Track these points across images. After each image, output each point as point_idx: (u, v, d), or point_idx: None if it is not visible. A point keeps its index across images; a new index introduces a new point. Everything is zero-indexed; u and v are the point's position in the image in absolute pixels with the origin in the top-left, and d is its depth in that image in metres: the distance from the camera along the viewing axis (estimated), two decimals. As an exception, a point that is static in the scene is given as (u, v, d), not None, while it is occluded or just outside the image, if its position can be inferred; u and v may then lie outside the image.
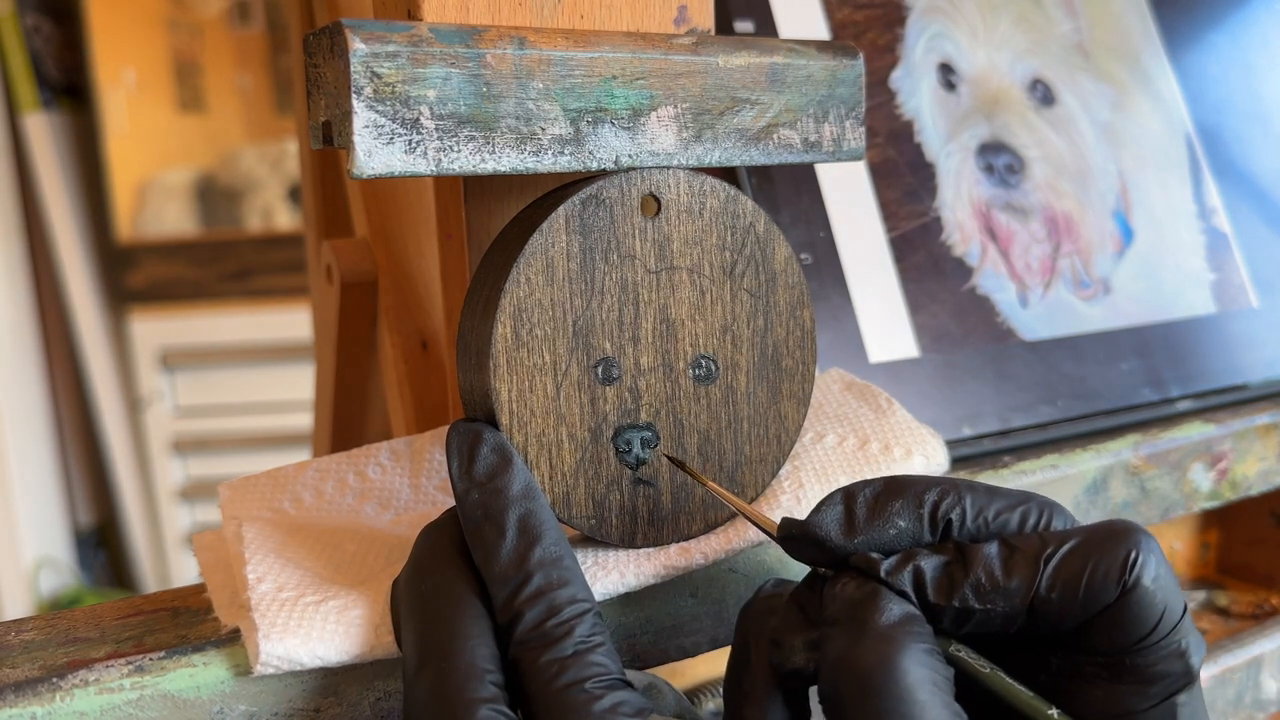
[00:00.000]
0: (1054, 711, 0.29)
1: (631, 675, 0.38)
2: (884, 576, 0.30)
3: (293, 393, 1.99)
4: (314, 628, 0.32)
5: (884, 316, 0.53)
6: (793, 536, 0.32)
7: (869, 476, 0.42)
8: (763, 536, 0.39)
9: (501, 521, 0.32)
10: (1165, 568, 0.29)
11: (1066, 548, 0.30)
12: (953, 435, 0.51)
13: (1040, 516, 0.31)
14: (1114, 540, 0.29)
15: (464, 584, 0.31)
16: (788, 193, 0.53)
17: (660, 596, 0.39)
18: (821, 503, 0.32)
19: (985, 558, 0.30)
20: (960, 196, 0.57)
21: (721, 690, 0.51)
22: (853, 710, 0.27)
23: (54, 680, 0.31)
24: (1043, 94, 0.62)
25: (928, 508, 0.31)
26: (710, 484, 0.36)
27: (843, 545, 0.31)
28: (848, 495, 0.32)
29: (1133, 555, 0.29)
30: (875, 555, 0.31)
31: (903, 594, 0.30)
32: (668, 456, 0.37)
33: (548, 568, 0.31)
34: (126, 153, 2.00)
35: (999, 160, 0.59)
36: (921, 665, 0.28)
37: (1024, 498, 0.32)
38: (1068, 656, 0.30)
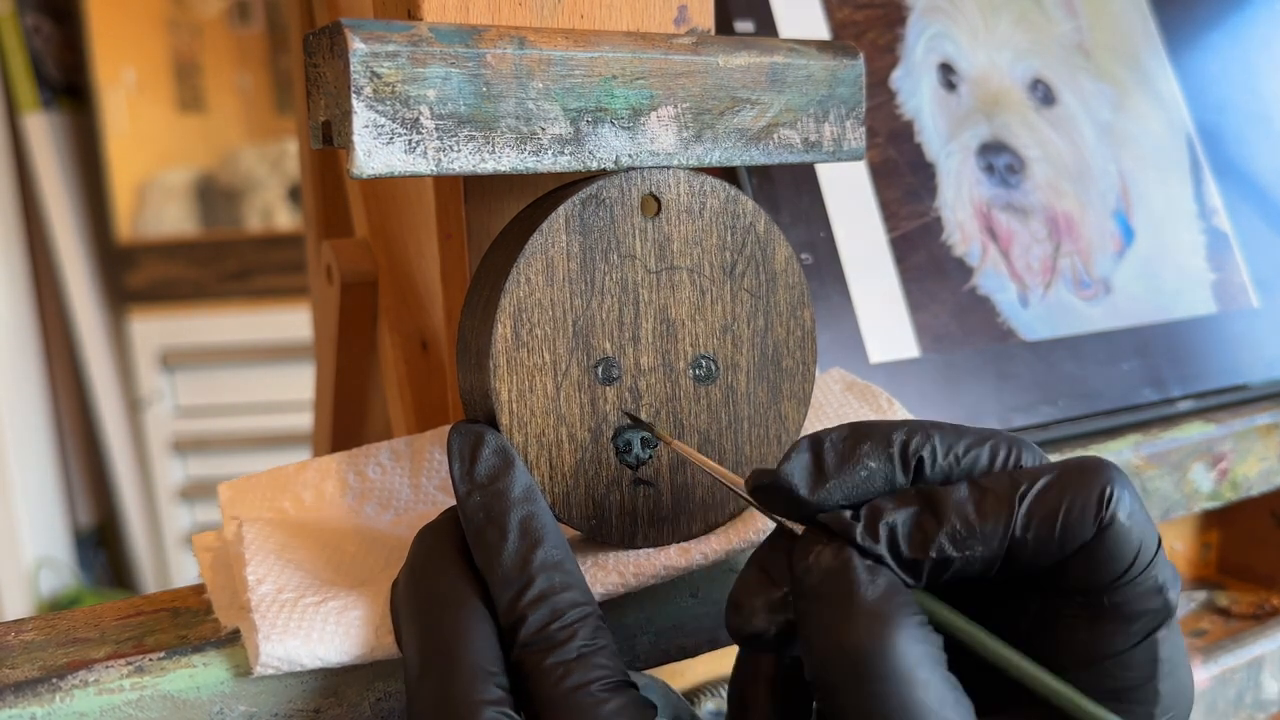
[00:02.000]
0: (1042, 674, 0.28)
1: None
2: (858, 541, 0.29)
3: (293, 393, 1.99)
4: (314, 629, 0.32)
5: (884, 316, 0.53)
6: (762, 486, 0.31)
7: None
8: (763, 537, 0.39)
9: (504, 524, 0.31)
10: (1138, 503, 0.29)
11: (1040, 485, 0.29)
12: (953, 435, 0.51)
13: (1009, 452, 0.30)
14: (1088, 476, 0.29)
15: (466, 586, 0.31)
16: (788, 193, 0.53)
17: (660, 596, 0.39)
18: (789, 450, 0.31)
19: (957, 503, 0.29)
20: (961, 196, 0.57)
21: (722, 690, 0.51)
22: (847, 695, 0.26)
23: (54, 681, 0.31)
24: (1043, 94, 0.62)
25: (897, 447, 0.30)
26: (676, 444, 0.36)
27: (810, 497, 0.30)
28: (814, 441, 0.31)
29: (1108, 490, 0.28)
30: (847, 514, 0.29)
31: (878, 557, 0.29)
32: (627, 414, 0.37)
33: (550, 571, 0.31)
34: (126, 153, 2.00)
35: (999, 160, 0.59)
36: (917, 641, 0.27)
37: (991, 434, 0.31)
38: (1046, 599, 0.30)
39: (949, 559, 0.29)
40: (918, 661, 0.26)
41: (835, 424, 0.45)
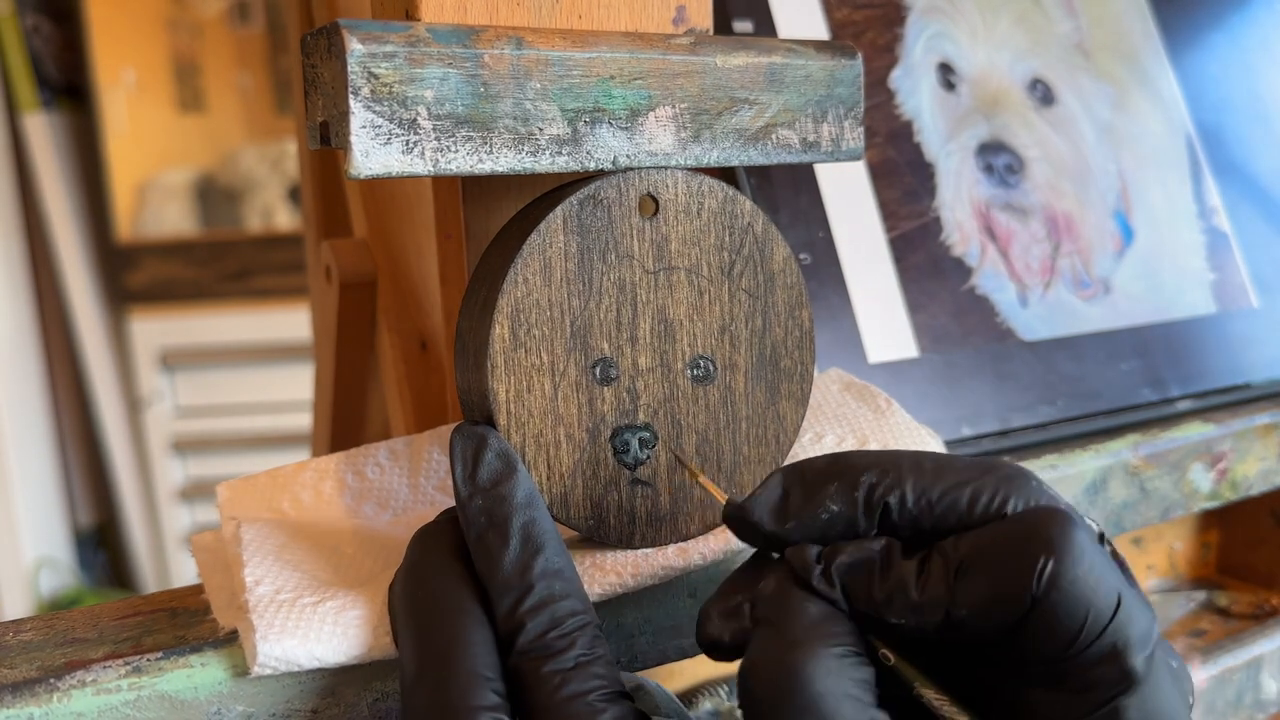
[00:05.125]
0: None
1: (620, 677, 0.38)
2: (813, 584, 0.29)
3: (293, 393, 1.99)
4: (311, 629, 0.32)
5: (883, 316, 0.53)
6: (730, 518, 0.31)
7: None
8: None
9: (505, 529, 0.31)
10: (1087, 564, 0.27)
11: (973, 559, 0.27)
12: (952, 435, 0.51)
13: (994, 497, 0.29)
14: (1022, 546, 0.27)
15: (464, 590, 0.31)
16: (786, 193, 0.53)
17: (659, 596, 0.39)
18: (764, 482, 0.31)
19: (899, 576, 0.28)
20: (960, 196, 0.57)
21: (721, 690, 0.51)
22: (762, 715, 0.27)
23: (51, 681, 0.31)
24: (1042, 94, 0.62)
25: (863, 491, 0.29)
26: (677, 454, 0.36)
27: (775, 532, 0.30)
28: (786, 475, 0.31)
29: (1041, 564, 0.26)
30: (809, 549, 0.29)
31: (832, 601, 0.29)
32: (675, 453, 0.37)
33: (550, 579, 0.31)
34: (126, 153, 2.00)
35: (999, 160, 0.59)
36: (831, 673, 0.27)
37: (980, 471, 0.29)
38: (1009, 664, 0.29)
39: (891, 624, 0.28)
40: (828, 692, 0.26)
41: (833, 424, 0.45)
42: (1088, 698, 0.27)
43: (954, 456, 0.30)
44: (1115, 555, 0.31)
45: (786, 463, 0.42)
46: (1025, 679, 0.29)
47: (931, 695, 0.29)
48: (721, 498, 0.34)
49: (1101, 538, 0.30)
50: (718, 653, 0.31)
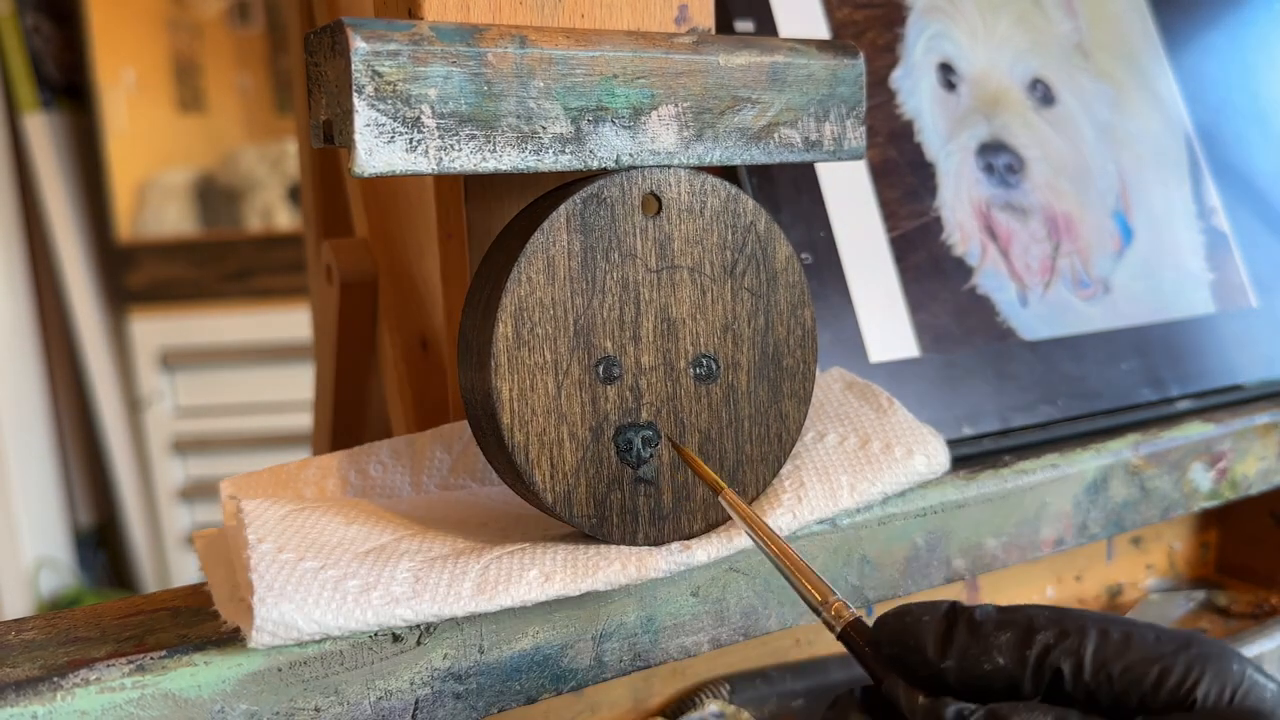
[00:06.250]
0: None
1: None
2: None
3: (293, 393, 1.99)
4: (311, 593, 0.32)
5: (884, 316, 0.53)
6: (886, 625, 0.28)
7: (870, 476, 0.42)
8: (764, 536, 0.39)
9: None
10: None
11: None
12: (953, 435, 0.51)
13: (1185, 679, 0.25)
14: None
15: None
16: (788, 192, 0.53)
17: (661, 596, 0.39)
18: (920, 605, 0.28)
19: None
20: (960, 196, 0.57)
21: (722, 690, 0.51)
22: None
23: (55, 679, 0.31)
24: (1042, 94, 0.62)
25: (1036, 650, 0.27)
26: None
27: (930, 661, 0.27)
28: (950, 609, 0.28)
29: None
30: (949, 706, 0.27)
31: None
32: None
33: None
34: (126, 153, 2.00)
35: (999, 160, 0.59)
36: None
37: (1175, 647, 0.26)
38: None
39: None
40: None
41: (835, 423, 0.45)
42: None
43: (1147, 626, 0.27)
44: None
45: (789, 461, 0.42)
46: None
47: None
48: (720, 486, 0.34)
49: None
50: None
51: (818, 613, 0.31)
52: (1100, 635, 0.27)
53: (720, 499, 0.36)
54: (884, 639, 0.29)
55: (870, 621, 0.30)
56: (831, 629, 0.30)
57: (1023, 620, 0.27)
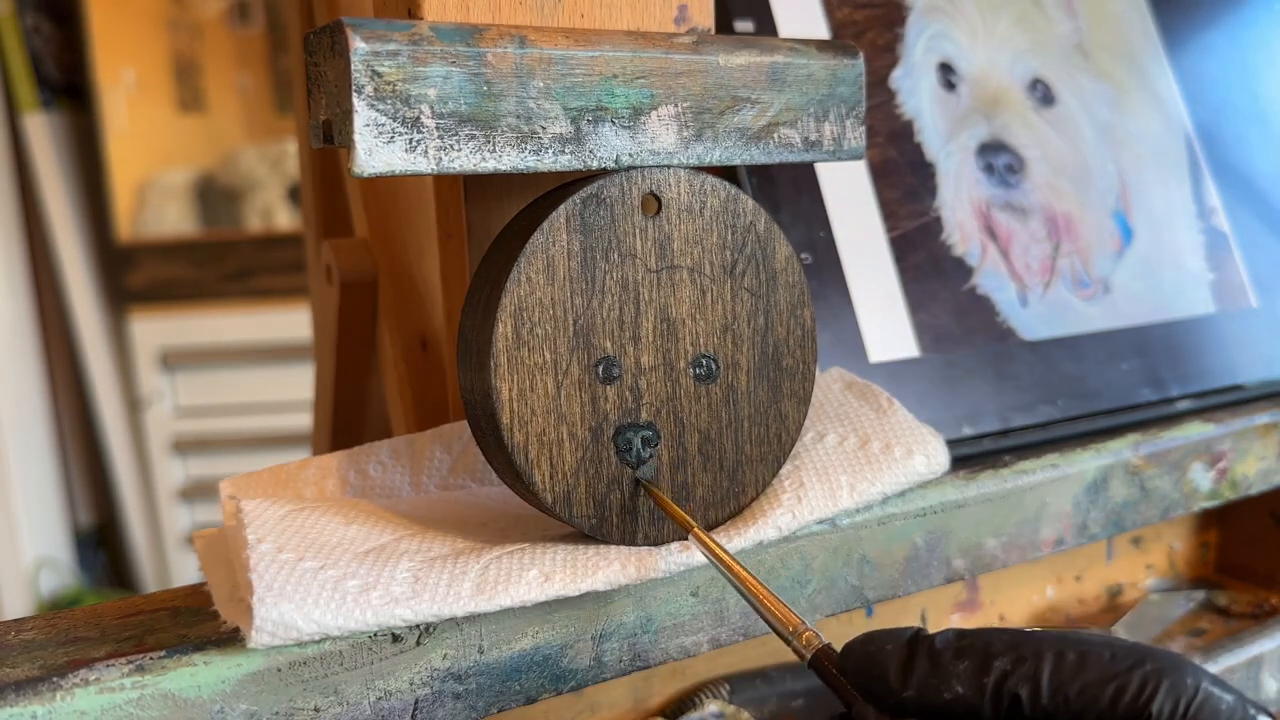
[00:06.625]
0: None
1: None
2: None
3: (293, 393, 1.99)
4: (310, 593, 0.32)
5: (884, 316, 0.53)
6: (853, 653, 0.29)
7: (870, 476, 0.42)
8: (764, 536, 0.39)
9: None
10: None
11: None
12: (953, 435, 0.51)
13: (1140, 693, 0.26)
14: None
15: None
16: (788, 192, 0.53)
17: (660, 596, 0.39)
18: (881, 633, 0.29)
19: None
20: (960, 196, 0.57)
21: (722, 690, 0.51)
22: None
23: (54, 680, 0.31)
24: (1042, 94, 0.62)
25: (993, 678, 0.27)
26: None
27: (893, 690, 0.28)
28: (912, 639, 0.29)
29: None
30: None
31: None
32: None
33: None
34: (126, 153, 2.00)
35: (999, 160, 0.59)
36: None
37: (1131, 662, 0.26)
38: None
39: None
40: None
41: (835, 423, 0.45)
42: None
43: (1104, 641, 0.27)
44: None
45: (788, 461, 0.42)
46: None
47: None
48: (690, 525, 0.34)
49: None
50: None
51: (788, 642, 0.31)
52: (1056, 658, 0.27)
53: (689, 537, 0.36)
54: (850, 668, 0.29)
55: (839, 648, 0.30)
56: (802, 657, 0.31)
57: (980, 647, 0.28)
